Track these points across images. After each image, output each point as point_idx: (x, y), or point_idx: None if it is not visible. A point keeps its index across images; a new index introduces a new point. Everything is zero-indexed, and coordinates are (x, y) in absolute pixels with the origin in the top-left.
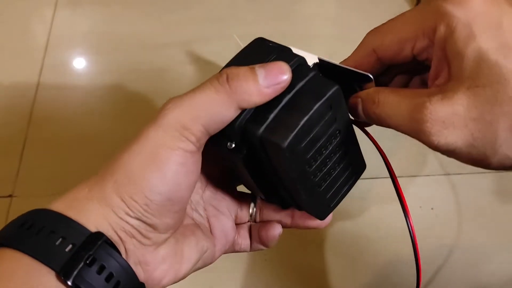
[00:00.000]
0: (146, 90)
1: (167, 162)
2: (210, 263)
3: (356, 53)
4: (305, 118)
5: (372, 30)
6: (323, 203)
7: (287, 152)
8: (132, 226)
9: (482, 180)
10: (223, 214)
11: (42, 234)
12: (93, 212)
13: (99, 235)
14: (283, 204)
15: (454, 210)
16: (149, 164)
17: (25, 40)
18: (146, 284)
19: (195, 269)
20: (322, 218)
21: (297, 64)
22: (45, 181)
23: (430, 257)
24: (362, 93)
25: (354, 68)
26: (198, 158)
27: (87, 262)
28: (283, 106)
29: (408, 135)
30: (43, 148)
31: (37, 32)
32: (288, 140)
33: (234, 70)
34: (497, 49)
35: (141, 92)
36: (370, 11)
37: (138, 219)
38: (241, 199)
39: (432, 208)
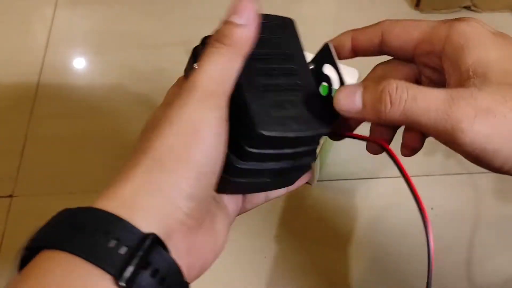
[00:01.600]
0: (146, 89)
1: (207, 135)
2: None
3: (368, 27)
4: None
5: (391, 19)
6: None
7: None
8: (184, 212)
9: (482, 180)
10: None
11: (96, 236)
12: (144, 208)
13: (151, 236)
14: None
15: (454, 210)
16: (192, 142)
17: (25, 39)
18: (197, 269)
19: (219, 250)
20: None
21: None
22: (45, 180)
23: None
24: (364, 82)
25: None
26: (226, 120)
27: (142, 265)
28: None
29: (434, 131)
30: (43, 148)
31: (37, 32)
32: None
33: (217, 32)
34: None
35: (141, 91)
36: (370, 11)
37: (190, 198)
38: None
39: (432, 208)
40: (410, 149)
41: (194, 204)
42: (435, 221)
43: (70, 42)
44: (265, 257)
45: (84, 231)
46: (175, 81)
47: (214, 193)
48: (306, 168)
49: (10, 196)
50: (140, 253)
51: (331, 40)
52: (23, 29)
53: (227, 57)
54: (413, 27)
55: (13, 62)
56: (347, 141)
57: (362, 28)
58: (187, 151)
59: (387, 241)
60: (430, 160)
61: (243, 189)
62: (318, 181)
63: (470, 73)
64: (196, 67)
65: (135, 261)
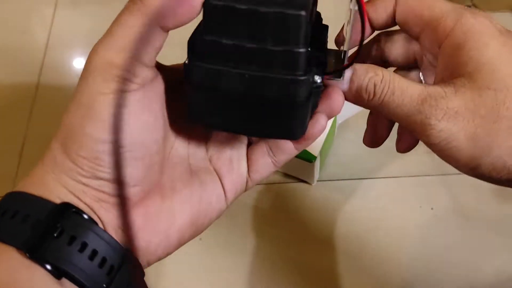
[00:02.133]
0: None
1: (103, 109)
2: (224, 209)
3: None
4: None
5: None
6: None
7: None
8: (92, 187)
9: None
10: (228, 146)
11: (6, 216)
12: (51, 183)
13: (63, 205)
14: None
15: (454, 210)
16: (86, 116)
17: (25, 39)
18: (134, 252)
19: (201, 224)
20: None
21: None
22: None
23: (430, 257)
24: (356, 65)
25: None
26: (146, 94)
27: (55, 235)
28: None
29: (407, 124)
30: (42, 148)
31: (37, 32)
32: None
33: None
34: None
35: None
36: None
37: (95, 177)
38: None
39: (432, 208)
40: (405, 146)
41: (100, 182)
42: (435, 221)
43: (70, 42)
44: (263, 257)
45: None
46: None
47: (196, 166)
48: (301, 107)
49: None
50: (49, 223)
51: None
52: (22, 29)
53: (138, 19)
54: (427, 6)
55: (13, 62)
56: (347, 141)
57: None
58: (81, 129)
59: (387, 241)
60: (430, 160)
61: (217, 116)
62: (318, 181)
63: (458, 71)
64: (187, 62)
65: (42, 231)
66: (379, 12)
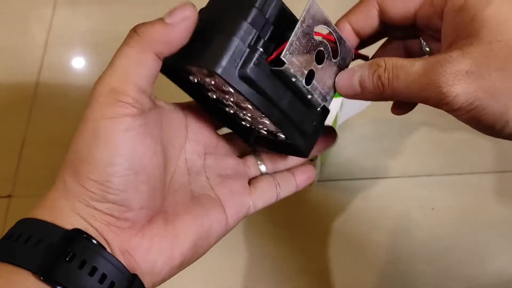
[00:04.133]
0: None
1: (110, 133)
2: (225, 234)
3: (360, 4)
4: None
5: None
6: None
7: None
8: (101, 211)
9: (482, 180)
10: (230, 177)
11: (20, 241)
12: (62, 209)
13: (74, 231)
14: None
15: (454, 210)
16: (93, 141)
17: (24, 39)
18: (138, 273)
19: (201, 247)
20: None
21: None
22: (44, 181)
23: (430, 257)
24: (360, 65)
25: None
26: (147, 120)
27: (67, 260)
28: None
29: (424, 99)
30: (42, 148)
31: (36, 31)
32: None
33: (140, 24)
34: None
35: None
36: None
37: (104, 200)
38: (246, 159)
39: (432, 208)
40: (401, 111)
41: (109, 206)
42: (435, 221)
43: (69, 42)
44: (262, 257)
45: (9, 239)
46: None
47: (199, 191)
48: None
49: (9, 196)
50: (61, 248)
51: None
52: (22, 29)
53: (137, 51)
54: None
55: (12, 62)
56: (347, 141)
57: (353, 8)
58: (89, 153)
59: (387, 241)
60: (430, 160)
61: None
62: (318, 181)
63: (463, 33)
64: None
65: (55, 255)
66: (366, 24)
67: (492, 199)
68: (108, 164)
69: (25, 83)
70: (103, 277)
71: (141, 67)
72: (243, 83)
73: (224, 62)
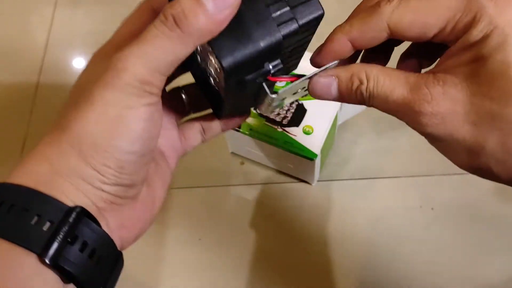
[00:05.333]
0: None
1: (133, 123)
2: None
3: (365, 22)
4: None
5: (388, 2)
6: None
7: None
8: (108, 193)
9: (482, 180)
10: (167, 129)
11: (13, 212)
12: (65, 186)
13: (78, 209)
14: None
15: (454, 210)
16: (115, 130)
17: (24, 39)
18: (131, 239)
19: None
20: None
21: None
22: None
23: (430, 257)
24: (339, 72)
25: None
26: (160, 104)
27: (69, 240)
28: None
29: (402, 118)
30: None
31: (36, 31)
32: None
33: (178, 7)
34: None
35: None
36: None
37: (115, 184)
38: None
39: (432, 208)
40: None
41: (118, 188)
42: (435, 221)
43: (70, 42)
44: (262, 257)
45: (1, 208)
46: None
47: (152, 158)
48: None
49: None
50: (65, 227)
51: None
52: (22, 29)
53: (175, 44)
54: (426, 13)
55: (13, 62)
56: (347, 141)
57: (357, 24)
58: (107, 141)
59: (386, 241)
60: (430, 160)
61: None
62: (318, 181)
63: (457, 64)
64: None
65: (60, 236)
66: (371, 42)
67: (492, 199)
68: (127, 152)
69: (26, 83)
70: (99, 259)
71: (172, 57)
72: (235, 80)
73: (237, 65)
